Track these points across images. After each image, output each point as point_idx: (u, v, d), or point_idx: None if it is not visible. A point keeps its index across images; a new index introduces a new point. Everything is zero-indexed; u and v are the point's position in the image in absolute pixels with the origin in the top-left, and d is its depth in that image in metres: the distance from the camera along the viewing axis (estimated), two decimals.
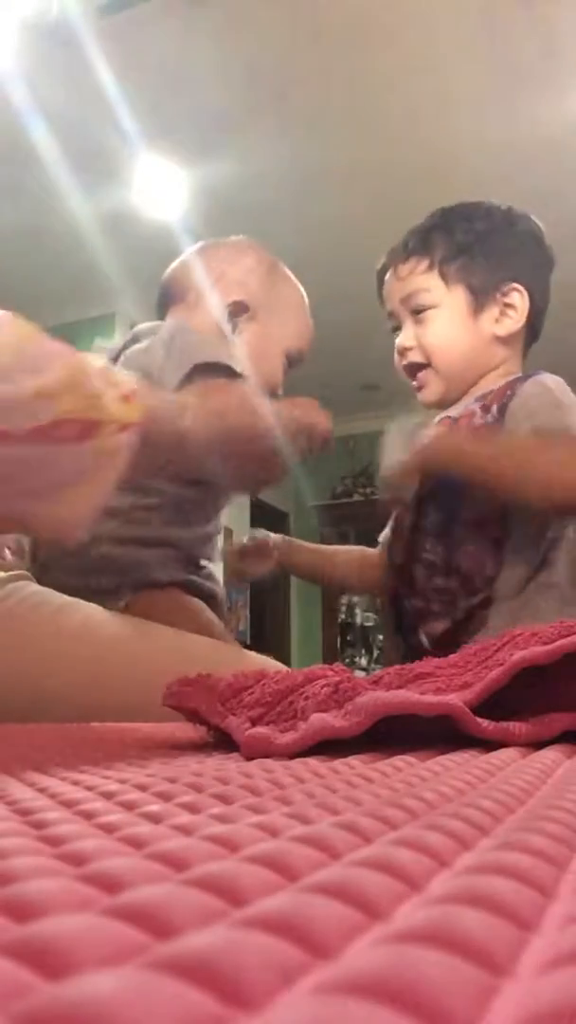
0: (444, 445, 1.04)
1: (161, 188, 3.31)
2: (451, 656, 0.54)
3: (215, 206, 3.41)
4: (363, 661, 5.47)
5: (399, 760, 0.34)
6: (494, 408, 1.07)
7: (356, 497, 5.54)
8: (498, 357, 1.14)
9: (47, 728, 0.58)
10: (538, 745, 0.41)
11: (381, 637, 5.47)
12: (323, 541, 6.30)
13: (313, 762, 0.35)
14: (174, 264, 1.21)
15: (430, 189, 3.41)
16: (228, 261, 1.18)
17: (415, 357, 1.15)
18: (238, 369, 0.97)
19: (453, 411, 1.14)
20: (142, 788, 0.27)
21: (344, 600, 5.63)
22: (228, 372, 0.95)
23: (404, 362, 1.16)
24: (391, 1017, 0.09)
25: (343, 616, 5.62)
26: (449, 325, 1.13)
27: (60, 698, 0.79)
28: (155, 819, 0.21)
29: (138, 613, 0.94)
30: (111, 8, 2.51)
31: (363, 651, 5.58)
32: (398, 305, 1.16)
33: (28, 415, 0.49)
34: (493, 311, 1.12)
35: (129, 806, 0.23)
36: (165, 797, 0.25)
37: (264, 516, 5.50)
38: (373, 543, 1.29)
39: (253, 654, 1.00)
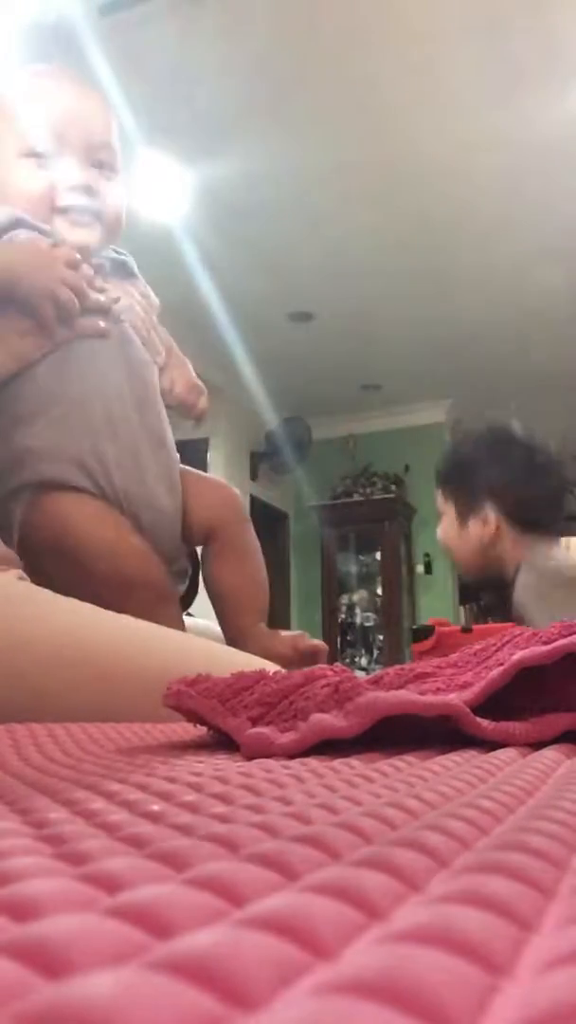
0: None
1: (161, 189, 3.31)
2: (451, 656, 0.54)
3: (215, 206, 3.41)
4: (363, 661, 5.47)
5: (399, 760, 0.34)
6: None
7: (356, 497, 5.53)
8: (494, 554, 1.55)
9: (46, 728, 0.58)
10: (538, 745, 0.41)
11: (381, 637, 5.47)
12: (323, 541, 6.26)
13: (313, 762, 0.35)
14: None
15: (431, 189, 3.42)
16: None
17: (442, 547, 1.67)
18: None
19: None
20: (142, 788, 0.27)
21: (344, 600, 5.63)
22: None
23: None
24: (391, 1017, 0.09)
25: (343, 616, 5.62)
26: (448, 529, 1.59)
27: (59, 699, 0.79)
28: (155, 819, 0.21)
29: (43, 521, 0.93)
30: (111, 8, 2.51)
31: (363, 651, 5.58)
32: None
33: None
34: (478, 523, 1.55)
35: (129, 806, 0.23)
36: (165, 797, 0.25)
37: (264, 516, 5.51)
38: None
39: (244, 654, 0.99)
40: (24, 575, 0.92)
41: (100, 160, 1.06)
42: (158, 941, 0.11)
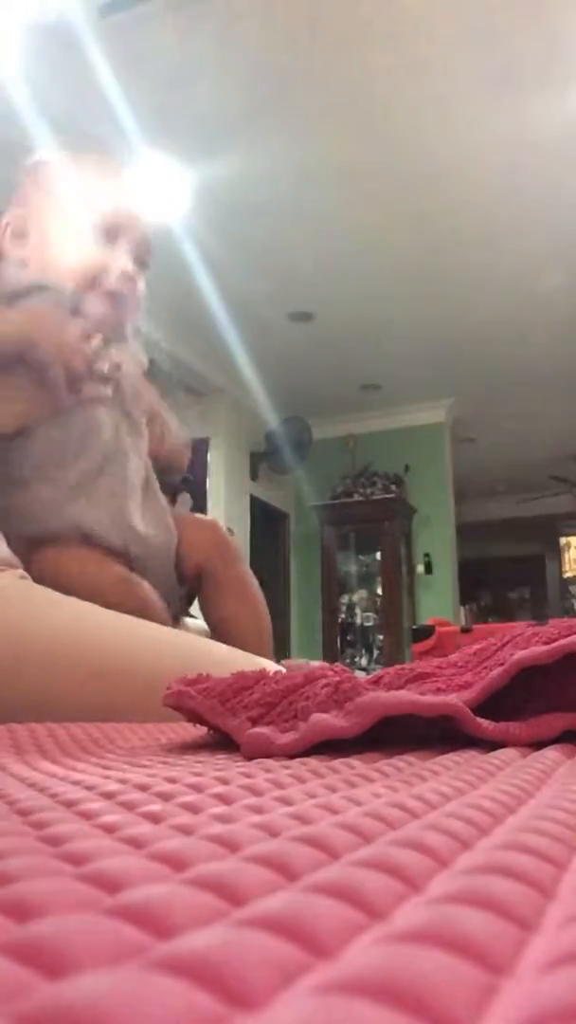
0: None
1: (161, 189, 3.31)
2: (451, 656, 0.54)
3: (215, 206, 3.41)
4: (363, 661, 5.47)
5: (399, 760, 0.34)
6: None
7: (356, 497, 5.53)
8: None
9: (47, 728, 0.58)
10: (538, 745, 0.41)
11: (381, 637, 5.47)
12: (323, 541, 6.27)
13: (313, 762, 0.35)
14: None
15: (430, 189, 3.42)
16: None
17: None
18: None
19: None
20: (143, 788, 0.27)
21: (344, 600, 5.63)
22: None
23: None
24: (391, 1016, 0.09)
25: (343, 616, 5.62)
26: None
27: (59, 698, 0.79)
28: (155, 819, 0.21)
29: (45, 572, 0.95)
30: (112, 8, 2.50)
31: (363, 651, 5.58)
32: None
33: None
34: None
35: (130, 806, 0.23)
36: (166, 797, 0.25)
37: (264, 516, 5.51)
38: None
39: (242, 653, 0.99)
40: (25, 574, 0.92)
41: (142, 258, 1.19)
42: (158, 941, 0.11)
